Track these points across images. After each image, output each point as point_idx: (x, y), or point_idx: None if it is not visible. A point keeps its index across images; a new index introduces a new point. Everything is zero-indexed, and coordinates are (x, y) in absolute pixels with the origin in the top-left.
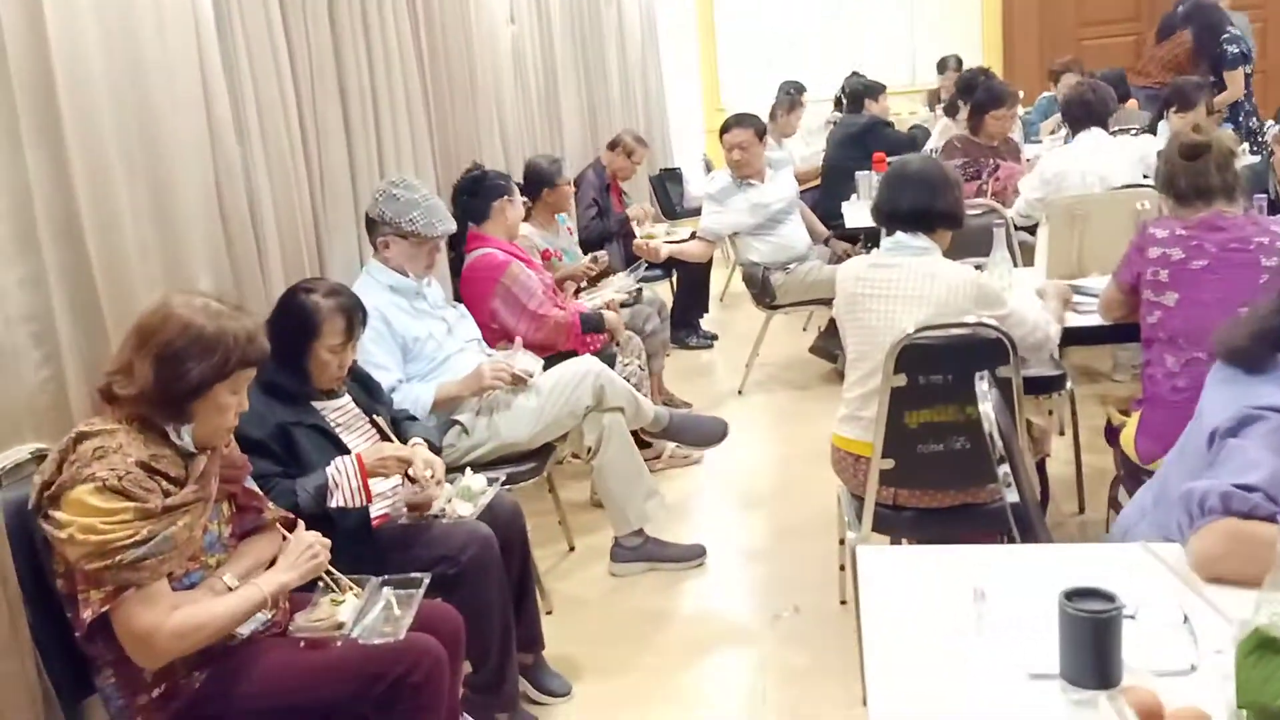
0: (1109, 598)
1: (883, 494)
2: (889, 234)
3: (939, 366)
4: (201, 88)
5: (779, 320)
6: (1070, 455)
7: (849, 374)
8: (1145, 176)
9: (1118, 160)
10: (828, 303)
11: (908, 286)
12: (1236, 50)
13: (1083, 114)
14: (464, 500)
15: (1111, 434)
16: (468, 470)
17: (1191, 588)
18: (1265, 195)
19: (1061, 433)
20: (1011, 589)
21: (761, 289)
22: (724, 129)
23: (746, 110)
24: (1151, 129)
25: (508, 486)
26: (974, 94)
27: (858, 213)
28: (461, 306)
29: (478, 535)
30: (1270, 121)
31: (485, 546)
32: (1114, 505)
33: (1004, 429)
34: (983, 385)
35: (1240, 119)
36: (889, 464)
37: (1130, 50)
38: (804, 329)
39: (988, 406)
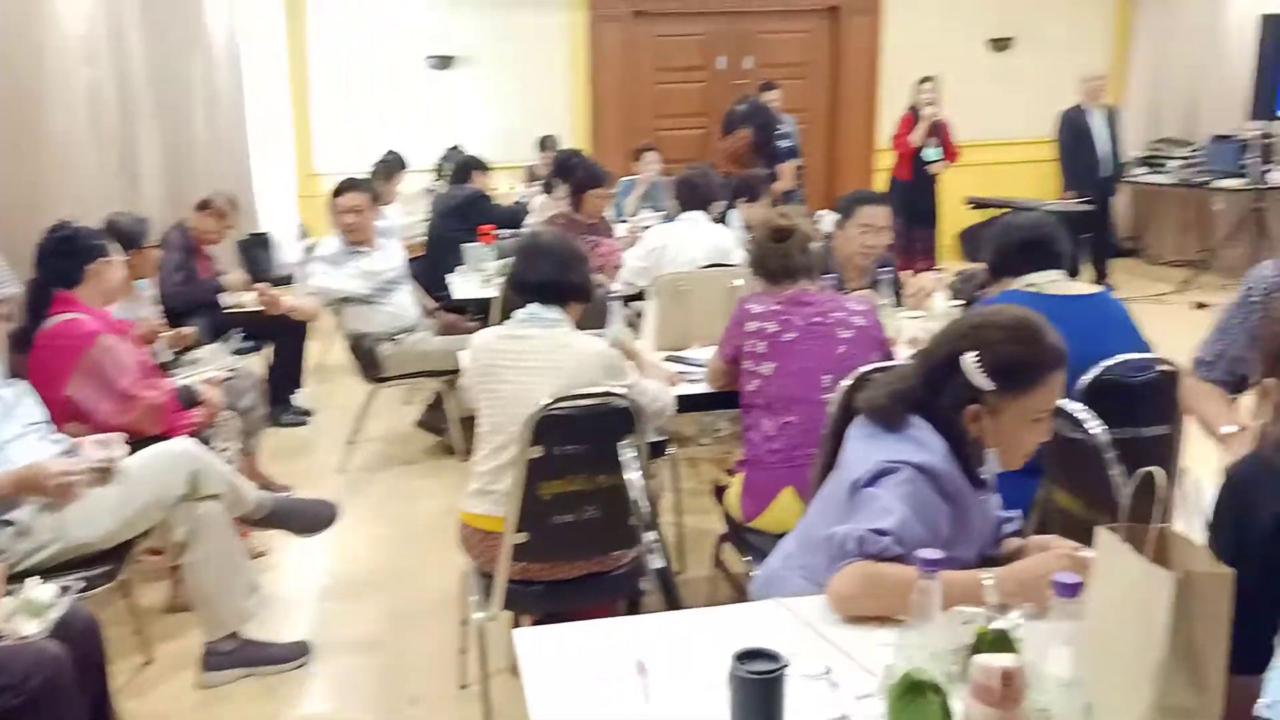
0: (774, 657)
1: (513, 569)
2: (521, 305)
3: (574, 436)
4: None
5: (382, 394)
6: (674, 517)
7: (480, 448)
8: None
9: (706, 242)
10: (437, 374)
11: (541, 358)
12: (787, 145)
13: (690, 196)
14: (29, 616)
15: (718, 494)
16: (31, 579)
17: (827, 639)
18: (834, 275)
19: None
20: (669, 656)
21: (369, 360)
22: (337, 192)
23: (346, 176)
24: (722, 217)
25: (81, 595)
26: (572, 173)
27: (465, 284)
28: (22, 384)
29: (46, 657)
30: (821, 211)
31: (57, 669)
32: (718, 564)
33: (649, 495)
34: (629, 453)
35: (790, 201)
36: (522, 537)
37: (699, 142)
38: (408, 403)
39: (634, 474)
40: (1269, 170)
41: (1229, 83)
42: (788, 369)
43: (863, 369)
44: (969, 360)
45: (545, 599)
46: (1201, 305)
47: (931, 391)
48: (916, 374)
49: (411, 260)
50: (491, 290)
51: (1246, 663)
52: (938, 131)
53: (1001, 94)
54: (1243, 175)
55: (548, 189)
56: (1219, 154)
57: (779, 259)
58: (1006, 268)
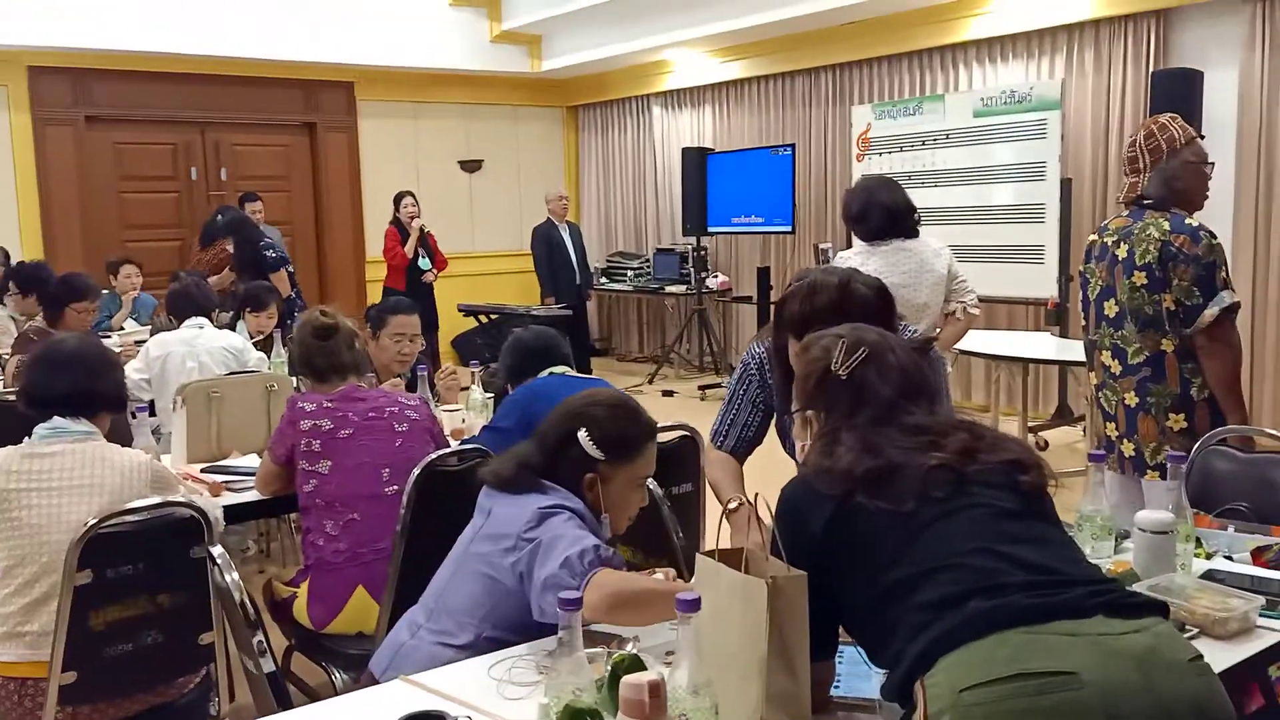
0: (442, 716)
1: (59, 718)
2: (44, 419)
3: (131, 555)
4: None
5: None
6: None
7: (1, 586)
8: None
9: (215, 346)
10: None
11: (74, 474)
12: (275, 255)
13: (186, 305)
14: None
15: (279, 609)
16: None
17: (461, 701)
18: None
19: None
20: None
21: None
22: None
23: None
24: (232, 325)
25: None
26: (43, 286)
27: None
28: None
29: None
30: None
31: None
32: (290, 677)
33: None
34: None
35: (294, 311)
36: (70, 678)
37: (176, 253)
38: None
39: (231, 575)
40: (705, 277)
41: (664, 203)
42: (345, 466)
43: (430, 458)
44: (582, 435)
45: None
46: (669, 393)
47: (553, 465)
48: (537, 451)
49: None
50: None
51: (816, 650)
52: (425, 243)
53: (477, 210)
54: (685, 282)
55: None
56: (664, 264)
57: (325, 357)
58: (525, 370)
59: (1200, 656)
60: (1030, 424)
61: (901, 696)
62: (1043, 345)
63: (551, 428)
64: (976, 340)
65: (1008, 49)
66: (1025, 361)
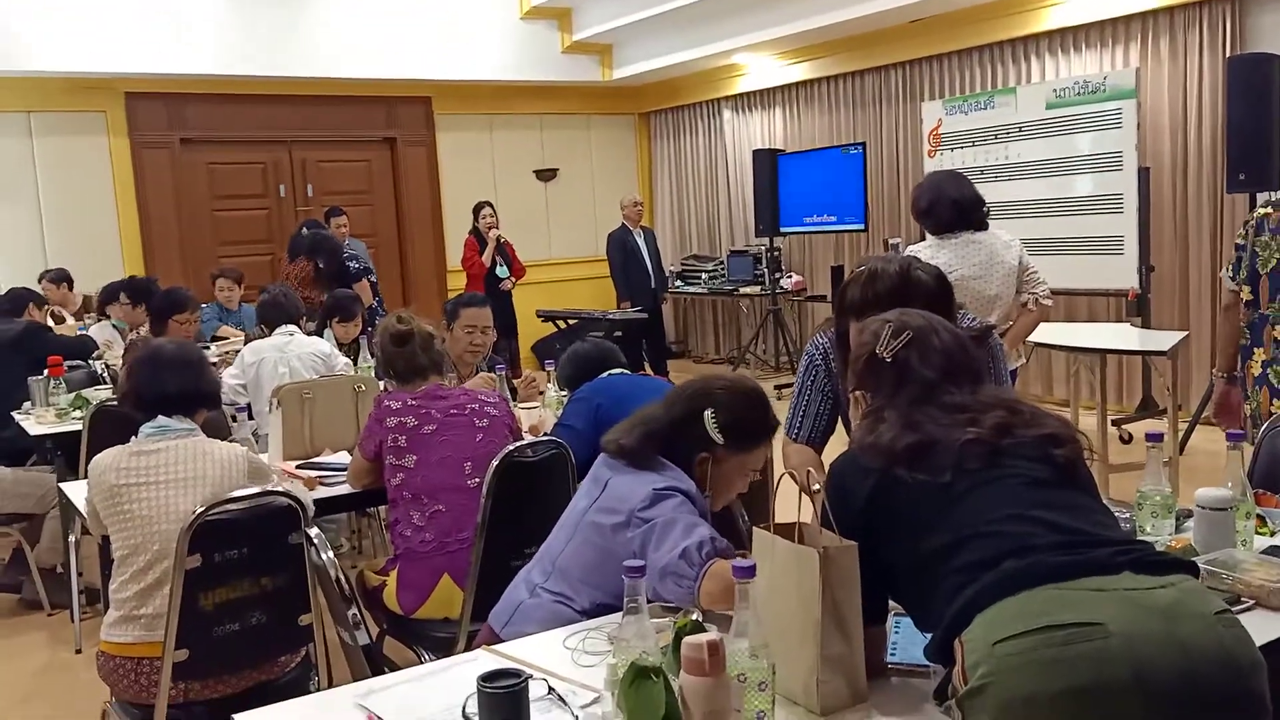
0: (515, 674)
1: (172, 693)
2: (149, 419)
3: (235, 540)
4: None
5: None
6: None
7: (118, 574)
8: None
9: (304, 351)
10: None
11: (180, 469)
12: (358, 267)
13: (276, 314)
14: None
15: (370, 596)
16: None
17: (536, 666)
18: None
19: None
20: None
21: None
22: None
23: None
24: (318, 333)
25: None
26: (148, 298)
27: (38, 422)
28: None
29: None
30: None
31: None
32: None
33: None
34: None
35: (376, 319)
36: (183, 655)
37: (267, 267)
38: None
39: (327, 554)
40: (779, 277)
41: (736, 206)
42: (430, 460)
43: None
44: (708, 416)
45: None
46: None
47: (674, 438)
48: (663, 422)
49: None
50: (72, 424)
51: (867, 617)
52: (503, 251)
53: (552, 218)
54: (760, 283)
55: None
56: (738, 266)
57: (404, 360)
58: (582, 379)
59: (1228, 611)
60: (1112, 417)
61: (942, 655)
62: (1124, 336)
63: (681, 400)
64: (1055, 333)
65: (1080, 39)
66: (1104, 353)
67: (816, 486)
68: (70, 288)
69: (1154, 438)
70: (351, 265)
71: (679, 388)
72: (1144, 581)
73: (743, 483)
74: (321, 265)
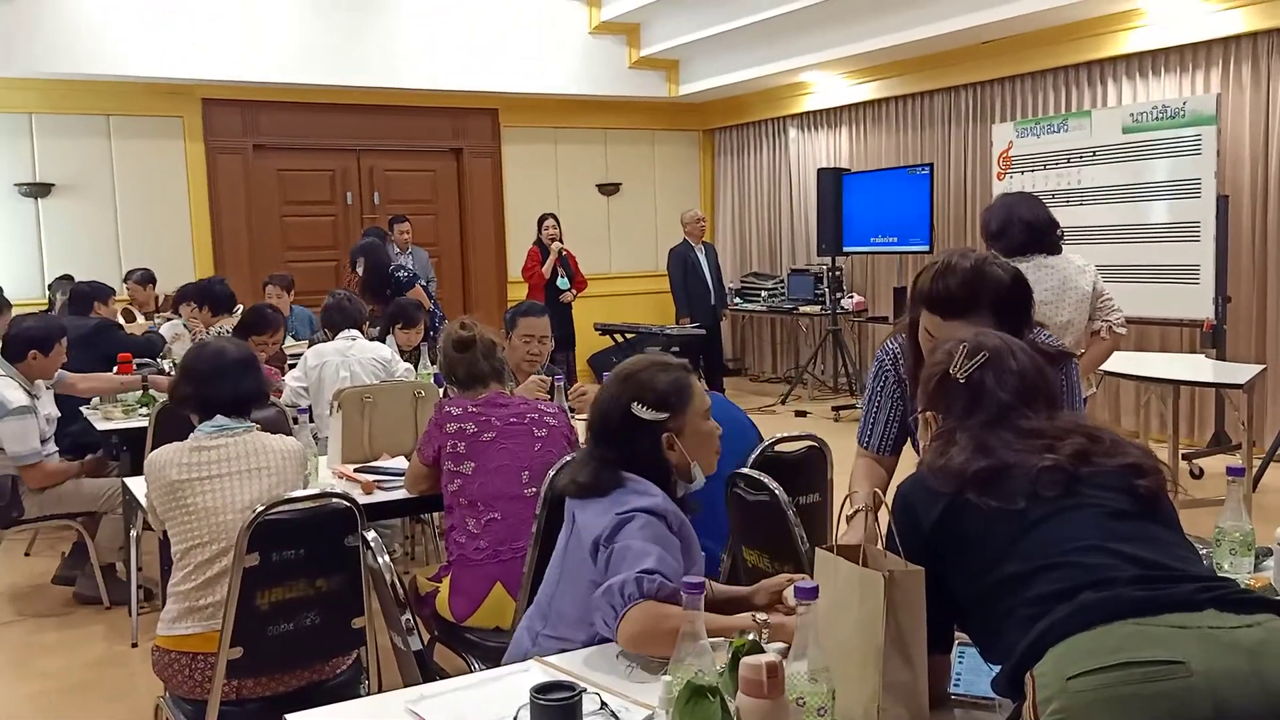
0: (569, 687)
1: (225, 689)
2: (207, 417)
3: (293, 541)
4: None
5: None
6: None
7: (178, 569)
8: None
9: (366, 356)
10: (73, 516)
11: (239, 463)
12: (406, 275)
13: (340, 319)
14: None
15: (421, 602)
16: None
17: (590, 682)
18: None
19: None
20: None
21: (10, 502)
22: None
23: None
24: (381, 338)
25: None
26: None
27: (107, 418)
28: None
29: None
30: None
31: None
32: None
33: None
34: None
35: (435, 325)
36: (237, 653)
37: (333, 272)
38: (26, 554)
39: (383, 557)
40: (840, 297)
41: (799, 224)
42: (487, 467)
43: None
44: (637, 408)
45: (261, 718)
46: (801, 414)
47: (629, 450)
48: (608, 445)
49: None
50: (139, 420)
51: (932, 645)
52: (565, 263)
53: (614, 232)
54: (820, 302)
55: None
56: (798, 285)
57: (466, 367)
58: None
59: None
60: (1183, 451)
61: (1012, 688)
62: (1197, 368)
63: (609, 417)
64: (1126, 362)
65: (1159, 63)
66: (1178, 384)
67: (856, 509)
68: (154, 288)
69: (1235, 472)
70: (400, 274)
71: (594, 409)
72: (1228, 620)
73: (709, 428)
74: (361, 273)
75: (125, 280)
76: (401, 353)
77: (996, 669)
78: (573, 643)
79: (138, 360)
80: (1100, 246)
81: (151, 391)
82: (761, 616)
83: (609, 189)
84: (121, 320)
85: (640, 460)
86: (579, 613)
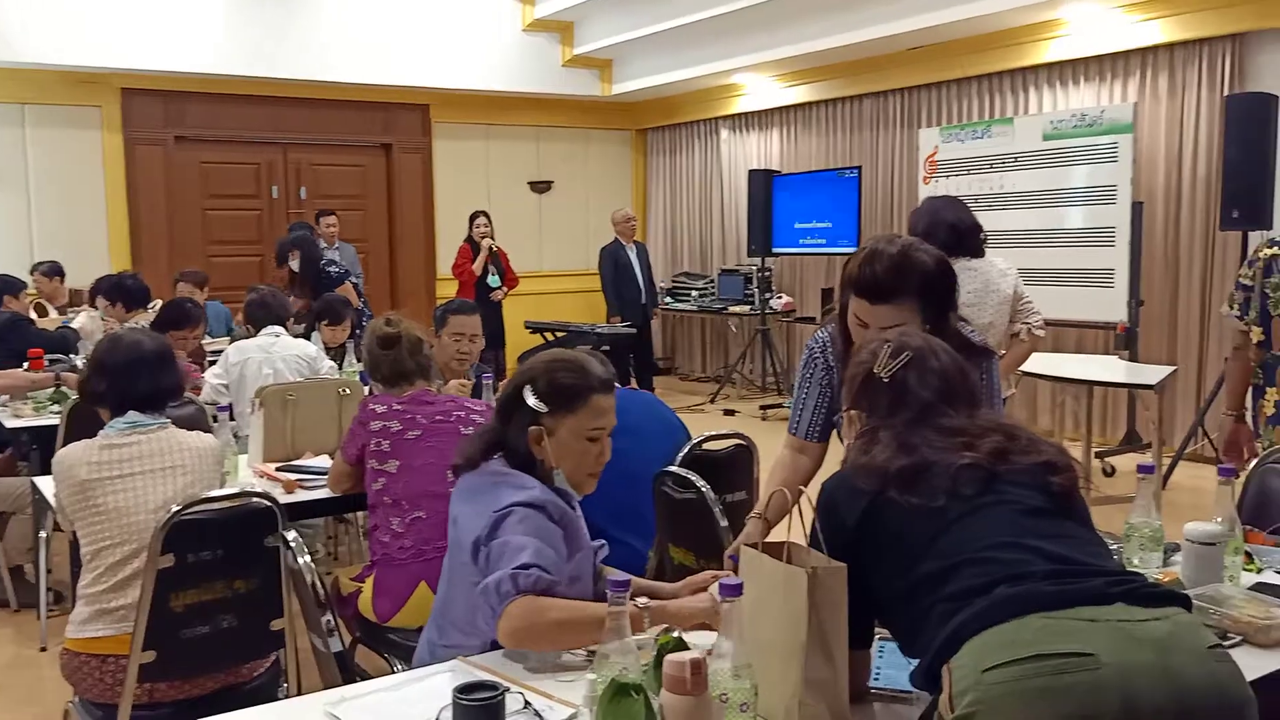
0: (492, 687)
1: (137, 693)
2: (119, 414)
3: (210, 541)
4: None
5: None
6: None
7: (89, 571)
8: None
9: (289, 353)
10: None
11: (154, 461)
12: (337, 270)
13: (264, 314)
14: None
15: (343, 603)
16: None
17: (512, 680)
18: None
19: None
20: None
21: None
22: None
23: None
24: (306, 335)
25: None
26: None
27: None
28: None
29: None
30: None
31: None
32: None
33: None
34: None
35: (362, 322)
36: (149, 656)
37: (257, 268)
38: None
39: (304, 558)
40: (769, 298)
41: (729, 224)
42: (412, 466)
43: None
44: (526, 390)
45: None
46: (730, 412)
47: (505, 425)
48: (495, 419)
49: None
50: (50, 418)
51: (852, 642)
52: (496, 261)
53: (545, 230)
54: (749, 302)
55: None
56: (728, 285)
57: (390, 364)
58: None
59: (1221, 646)
60: (1096, 449)
61: (929, 682)
62: (1111, 369)
63: (508, 388)
64: (1043, 363)
65: (1079, 72)
66: (1091, 384)
67: (757, 512)
68: (62, 280)
69: (1146, 470)
70: (331, 270)
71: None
72: (1137, 613)
73: (593, 450)
74: (295, 267)
75: (32, 272)
76: (327, 350)
77: (915, 663)
78: (468, 650)
79: (50, 356)
80: (1020, 250)
81: (64, 389)
82: (643, 600)
83: (541, 187)
84: (34, 315)
85: (511, 444)
86: (469, 617)
